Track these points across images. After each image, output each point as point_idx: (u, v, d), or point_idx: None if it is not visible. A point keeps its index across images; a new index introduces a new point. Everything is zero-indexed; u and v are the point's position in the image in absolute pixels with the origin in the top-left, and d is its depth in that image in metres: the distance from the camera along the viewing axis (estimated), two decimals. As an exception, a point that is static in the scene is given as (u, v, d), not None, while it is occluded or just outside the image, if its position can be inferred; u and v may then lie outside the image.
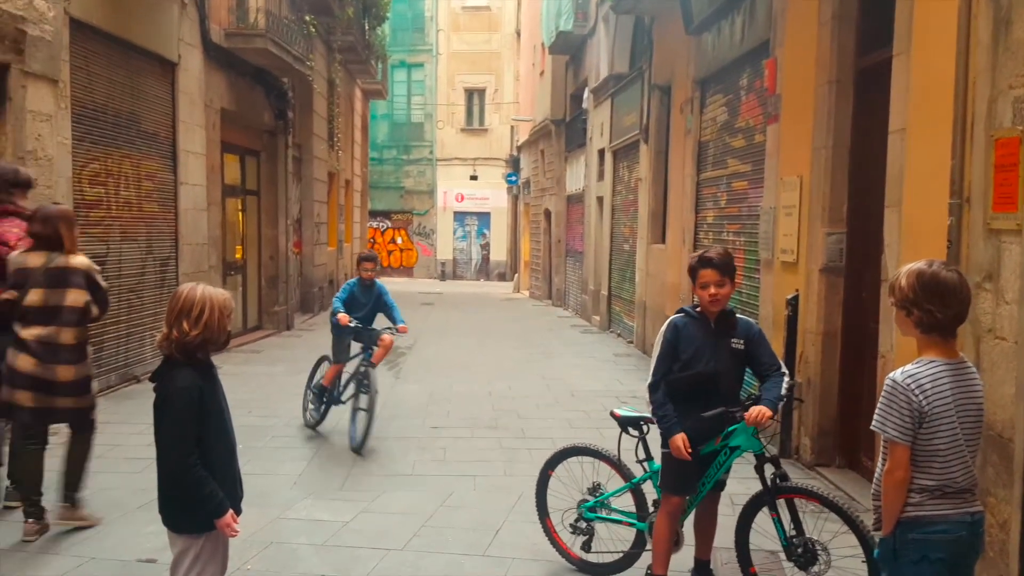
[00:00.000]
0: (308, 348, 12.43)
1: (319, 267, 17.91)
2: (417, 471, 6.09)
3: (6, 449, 5.17)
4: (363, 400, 7.09)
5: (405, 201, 35.70)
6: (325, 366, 7.77)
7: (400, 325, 7.40)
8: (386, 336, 7.22)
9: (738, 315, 4.19)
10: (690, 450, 3.97)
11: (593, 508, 4.63)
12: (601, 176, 16.92)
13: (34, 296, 4.73)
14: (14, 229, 5.04)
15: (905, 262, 2.90)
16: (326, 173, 18.72)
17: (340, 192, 21.13)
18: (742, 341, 4.09)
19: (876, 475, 2.87)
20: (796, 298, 6.76)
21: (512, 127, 31.43)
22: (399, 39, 32.81)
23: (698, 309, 4.13)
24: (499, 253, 35.30)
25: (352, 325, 7.21)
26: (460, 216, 36.12)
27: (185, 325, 3.09)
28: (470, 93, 35.38)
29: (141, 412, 7.84)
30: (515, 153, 30.84)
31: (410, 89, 35.18)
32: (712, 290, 3.99)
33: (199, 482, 3.09)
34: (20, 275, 4.79)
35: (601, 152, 16.87)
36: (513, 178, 30.59)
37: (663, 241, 12.25)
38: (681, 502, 4.13)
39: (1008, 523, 4.06)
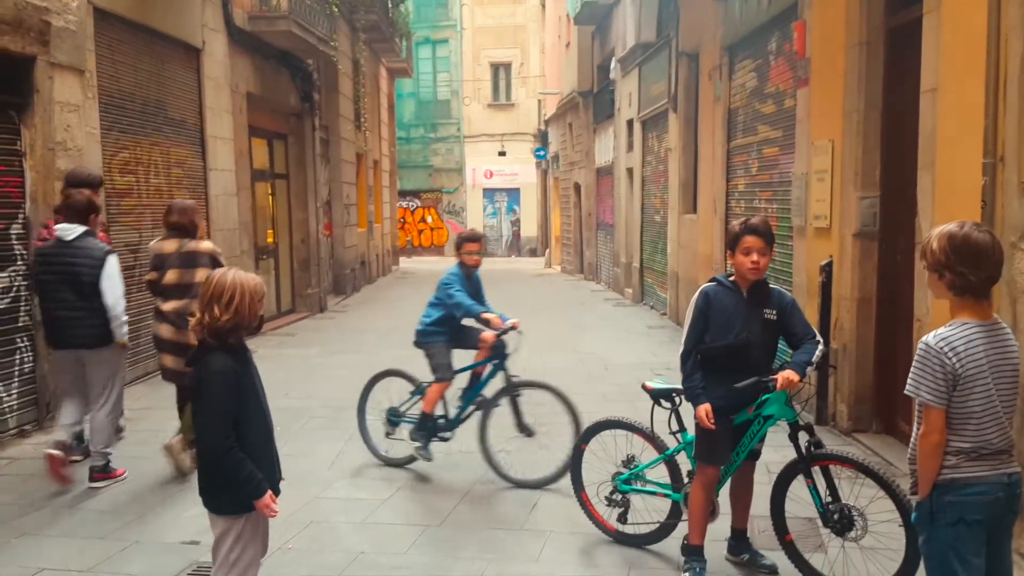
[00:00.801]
0: (341, 330, 12.56)
1: (350, 248, 18.02)
2: (453, 448, 6.13)
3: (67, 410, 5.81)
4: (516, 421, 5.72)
5: (434, 180, 35.70)
6: (395, 386, 6.20)
7: (514, 320, 5.84)
8: (488, 334, 5.71)
9: (771, 285, 4.15)
10: (714, 420, 3.97)
11: (628, 480, 4.65)
12: (630, 147, 16.78)
13: (171, 276, 5.67)
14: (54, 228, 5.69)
15: (939, 224, 2.84)
16: (354, 154, 18.78)
17: (368, 173, 21.19)
18: (775, 312, 4.05)
19: (912, 440, 2.84)
20: (830, 264, 6.67)
21: (539, 101, 31.22)
22: (422, 15, 32.67)
23: (731, 279, 4.09)
24: (529, 229, 35.23)
25: (508, 325, 5.69)
26: (489, 193, 36.06)
27: (216, 310, 3.12)
28: (496, 68, 35.16)
29: (173, 397, 7.93)
30: (543, 127, 30.67)
31: (435, 66, 35.03)
32: (755, 257, 3.94)
33: (237, 464, 3.13)
34: (158, 259, 5.76)
35: (630, 123, 16.71)
36: (541, 152, 30.45)
37: (694, 211, 12.14)
38: (716, 472, 4.12)
39: (1050, 486, 4.00)
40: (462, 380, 6.00)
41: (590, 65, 21.07)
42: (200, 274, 5.49)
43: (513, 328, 5.77)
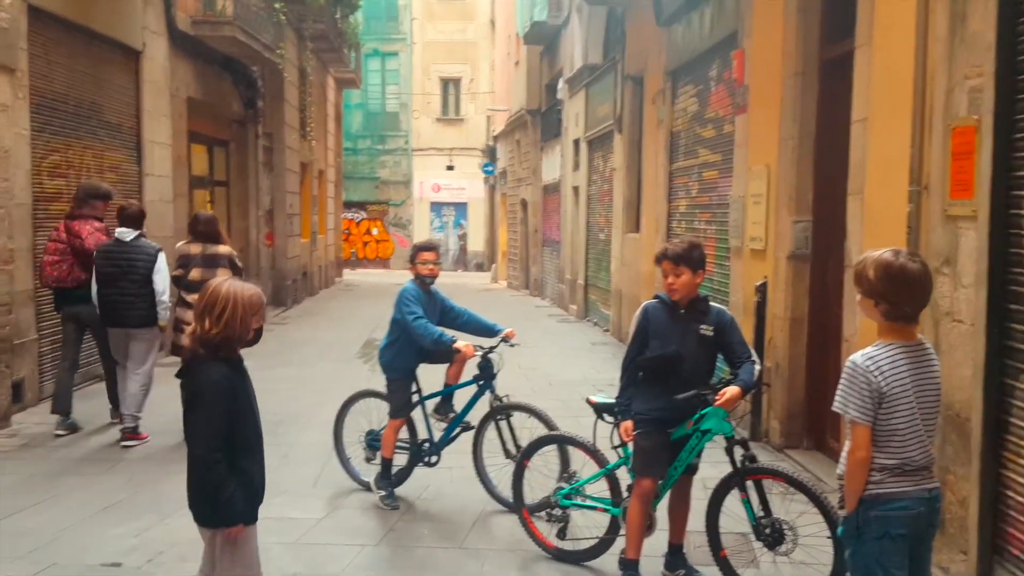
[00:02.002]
0: (281, 343, 12.38)
1: (292, 259, 17.83)
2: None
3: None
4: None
5: (381, 191, 35.54)
6: (373, 408, 5.92)
7: (508, 330, 5.57)
8: (466, 346, 5.34)
9: (712, 303, 4.28)
10: (651, 433, 4.11)
11: (568, 495, 4.69)
12: (577, 166, 16.96)
13: (195, 273, 6.76)
14: (87, 227, 6.89)
15: (867, 249, 2.98)
16: (298, 163, 18.62)
17: (313, 183, 21.03)
18: (712, 328, 4.18)
19: (841, 456, 2.94)
20: (764, 285, 6.85)
21: (488, 117, 31.36)
22: (372, 28, 32.57)
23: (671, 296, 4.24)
24: (476, 243, 35.27)
25: (483, 356, 5.39)
26: (437, 206, 36.02)
27: (207, 322, 3.09)
28: (445, 83, 35.23)
29: (106, 411, 7.68)
30: (491, 143, 30.81)
31: (384, 78, 34.95)
32: (669, 279, 4.15)
33: (221, 482, 3.10)
34: (184, 259, 6.94)
35: (576, 142, 16.91)
36: (490, 168, 30.57)
37: (638, 230, 12.33)
38: (653, 485, 4.19)
39: (967, 500, 4.17)
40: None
41: (538, 84, 21.28)
42: (221, 273, 6.53)
43: (506, 340, 5.48)
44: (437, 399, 5.69)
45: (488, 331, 5.60)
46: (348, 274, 28.11)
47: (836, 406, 2.86)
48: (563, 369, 10.36)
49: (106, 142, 9.63)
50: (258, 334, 3.25)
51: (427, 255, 5.54)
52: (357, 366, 10.66)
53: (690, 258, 4.16)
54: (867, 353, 2.82)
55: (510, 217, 26.64)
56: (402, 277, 13.37)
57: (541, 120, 21.32)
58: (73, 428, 7.04)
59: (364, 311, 16.55)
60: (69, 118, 8.83)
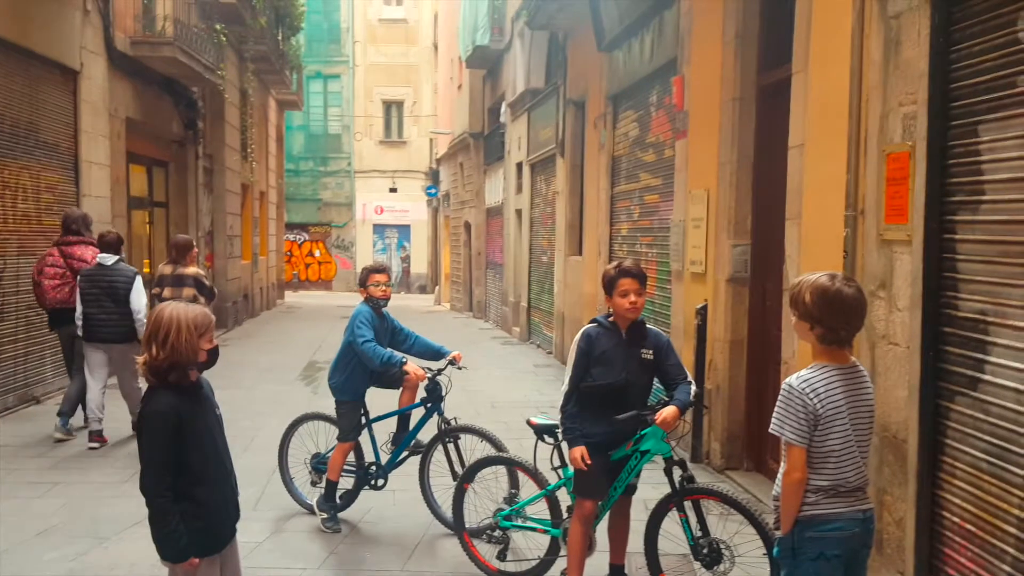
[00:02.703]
0: (220, 365, 12.09)
1: (232, 281, 17.51)
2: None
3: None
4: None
5: (323, 213, 35.24)
6: (319, 431, 5.87)
7: (455, 353, 5.61)
8: (414, 369, 5.29)
9: (648, 326, 4.30)
10: (592, 457, 4.07)
11: (509, 517, 4.67)
12: (520, 189, 17.05)
13: (166, 292, 7.66)
14: (89, 252, 7.61)
15: (804, 272, 3.02)
16: (239, 184, 18.35)
17: (255, 204, 20.74)
18: (651, 352, 4.19)
19: (778, 477, 2.97)
20: (705, 308, 6.94)
21: (431, 140, 31.41)
22: (315, 50, 32.44)
23: (610, 319, 4.21)
24: (420, 266, 35.15)
25: (431, 378, 5.35)
26: (380, 228, 35.83)
27: (154, 348, 3.02)
28: (388, 105, 35.20)
29: (41, 435, 7.62)
30: (434, 166, 30.83)
31: (326, 100, 34.79)
32: (632, 298, 4.09)
33: (162, 515, 3.01)
34: (160, 278, 7.88)
35: (519, 165, 17.01)
36: (433, 191, 30.56)
37: (580, 253, 12.41)
38: (593, 507, 4.19)
39: (904, 520, 4.24)
40: (391, 424, 5.67)
41: (481, 107, 21.39)
42: (187, 292, 7.67)
43: (453, 363, 5.50)
44: (392, 430, 5.64)
45: (436, 354, 5.61)
46: (290, 296, 27.72)
47: (772, 428, 2.88)
48: (506, 391, 10.34)
49: (43, 162, 9.40)
50: (213, 355, 3.17)
51: (379, 277, 5.53)
52: (299, 388, 10.48)
53: (645, 277, 4.20)
54: (802, 376, 2.86)
55: (453, 239, 26.63)
56: (345, 299, 13.25)
57: (484, 143, 21.42)
58: (69, 433, 7.58)
59: (306, 333, 16.33)
60: (5, 137, 8.61)
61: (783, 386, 2.87)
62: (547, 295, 14.74)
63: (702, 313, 6.93)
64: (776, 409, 2.86)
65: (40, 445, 7.36)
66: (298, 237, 34.85)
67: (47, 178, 9.48)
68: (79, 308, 7.26)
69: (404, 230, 35.73)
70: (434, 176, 30.85)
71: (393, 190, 34.59)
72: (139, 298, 7.28)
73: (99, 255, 7.38)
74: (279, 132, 25.45)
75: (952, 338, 3.99)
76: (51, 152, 9.58)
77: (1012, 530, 3.57)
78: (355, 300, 11.69)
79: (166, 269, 7.94)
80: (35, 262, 8.26)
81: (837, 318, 2.82)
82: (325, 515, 5.40)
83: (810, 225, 5.39)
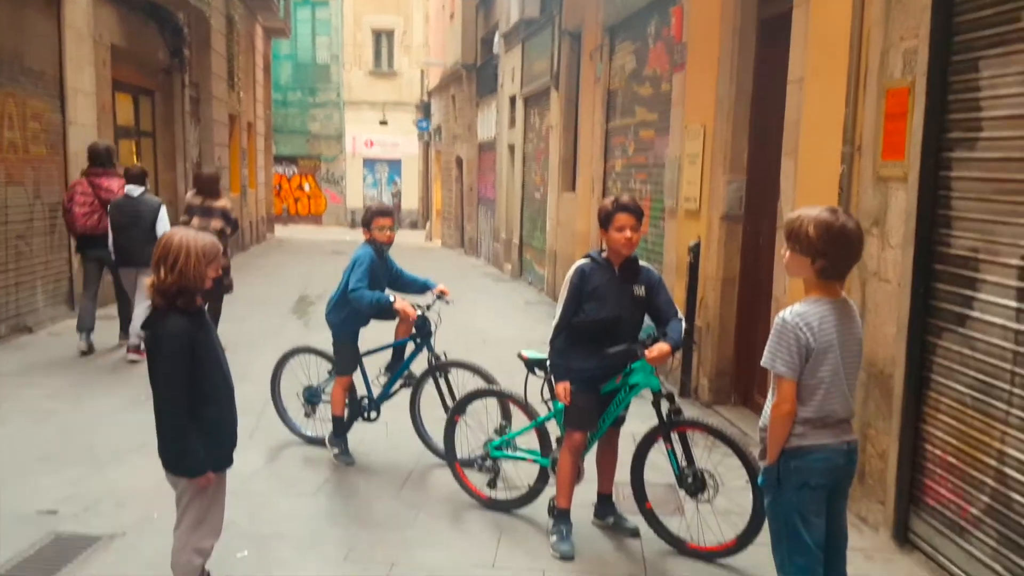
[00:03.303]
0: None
1: (222, 213, 17.39)
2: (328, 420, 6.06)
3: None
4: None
5: (312, 146, 34.84)
6: (310, 363, 5.88)
7: (439, 286, 5.60)
8: (404, 305, 5.22)
9: (641, 262, 4.31)
10: (583, 390, 4.16)
11: (499, 447, 4.76)
12: (513, 123, 16.87)
13: (195, 222, 8.21)
14: (116, 183, 8.12)
15: (798, 209, 3.01)
16: (226, 115, 18.10)
17: (242, 135, 20.48)
18: (643, 287, 4.22)
19: (765, 410, 3.02)
20: (698, 245, 6.95)
21: (422, 71, 30.92)
22: (302, -24, 31.71)
23: (604, 255, 4.23)
24: (410, 201, 34.95)
25: (420, 314, 5.34)
26: (370, 163, 35.53)
27: (162, 272, 3.12)
28: (378, 34, 34.55)
29: (34, 364, 7.69)
30: (425, 98, 30.40)
31: (314, 28, 34.05)
32: (628, 233, 4.09)
33: (181, 434, 3.16)
34: (189, 209, 8.54)
35: (512, 99, 16.80)
36: (424, 124, 30.20)
37: (573, 189, 12.36)
38: (583, 438, 4.27)
39: (887, 453, 4.34)
40: (385, 355, 5.69)
41: (474, 38, 21.02)
42: (215, 223, 8.27)
43: (441, 297, 5.49)
44: (382, 363, 5.67)
45: (422, 287, 5.59)
46: (280, 230, 27.58)
47: (765, 361, 2.92)
48: (497, 328, 10.40)
49: (28, 90, 9.21)
50: (217, 284, 3.24)
51: (384, 220, 5.40)
52: (291, 321, 10.53)
53: (642, 212, 4.19)
54: (796, 310, 2.88)
55: (445, 175, 26.44)
56: (335, 234, 13.19)
57: (477, 75, 21.11)
58: (91, 348, 8.15)
59: (297, 268, 16.32)
60: (-11, 64, 8.42)
61: (776, 320, 2.90)
62: (539, 232, 14.72)
63: (695, 251, 6.94)
64: (769, 342, 2.90)
65: (34, 374, 7.41)
66: (287, 170, 34.53)
67: (33, 106, 9.31)
68: (110, 236, 7.91)
69: (395, 164, 35.44)
70: (425, 109, 30.46)
71: (383, 123, 34.15)
72: (163, 226, 7.75)
73: (126, 187, 7.97)
74: (266, 61, 24.98)
75: (943, 275, 4.03)
76: (36, 79, 9.39)
77: (992, 462, 3.66)
78: (346, 235, 11.66)
79: (195, 200, 8.53)
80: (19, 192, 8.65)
81: (840, 252, 2.84)
82: (337, 450, 5.44)
83: (806, 161, 5.38)
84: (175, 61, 14.13)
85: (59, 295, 9.95)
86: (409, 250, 22.72)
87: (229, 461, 3.41)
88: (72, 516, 4.46)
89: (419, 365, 5.59)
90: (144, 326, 3.27)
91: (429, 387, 5.50)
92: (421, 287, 5.59)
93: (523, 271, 16.18)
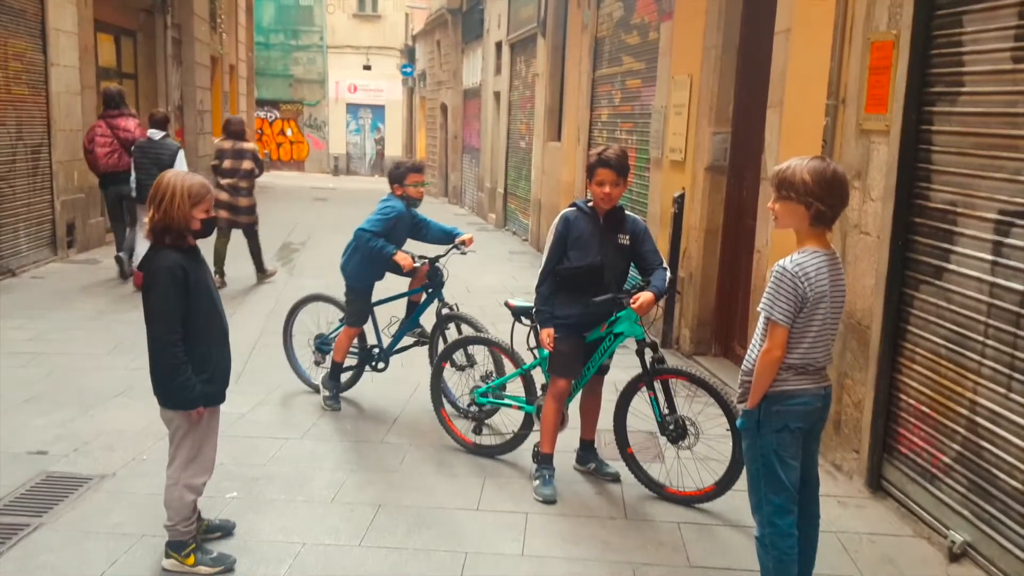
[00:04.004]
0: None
1: (203, 158, 17.17)
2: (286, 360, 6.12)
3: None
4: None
5: (294, 90, 34.38)
6: (322, 312, 5.90)
7: (465, 236, 5.52)
8: (403, 257, 5.17)
9: (627, 212, 4.36)
10: (567, 337, 4.23)
11: (485, 394, 4.85)
12: (498, 70, 16.72)
13: (227, 163, 9.19)
14: (132, 123, 9.06)
15: (783, 161, 3.06)
16: (208, 57, 17.80)
17: (224, 78, 20.18)
18: (628, 237, 4.28)
19: (748, 354, 3.10)
20: (682, 196, 6.99)
21: (407, 15, 30.42)
22: (285, -85, 30.95)
23: (590, 204, 4.28)
24: (394, 148, 34.66)
25: (417, 266, 5.30)
26: (353, 108, 35.12)
27: (152, 210, 3.24)
28: (362, -24, 33.90)
29: (18, 306, 7.71)
30: (410, 43, 29.98)
31: (297, -31, 33.40)
32: (607, 188, 4.16)
33: (176, 366, 3.25)
34: (219, 152, 9.30)
35: (498, 45, 16.62)
36: (408, 70, 29.82)
37: (559, 139, 12.32)
38: (567, 385, 4.36)
39: (863, 402, 4.46)
40: (398, 307, 5.65)
41: (461, -19, 20.69)
42: (246, 164, 9.20)
43: (461, 247, 5.40)
44: (394, 315, 5.68)
45: (448, 236, 5.51)
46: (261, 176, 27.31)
47: (762, 307, 2.98)
48: (481, 277, 10.44)
49: (10, 29, 9.07)
50: (207, 225, 3.34)
51: (418, 177, 5.37)
52: (275, 268, 10.50)
53: (626, 168, 4.22)
54: (795, 260, 2.94)
55: (429, 122, 26.21)
56: (318, 181, 13.07)
57: (462, 20, 20.82)
58: (130, 269, 8.80)
59: (280, 215, 16.22)
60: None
61: (775, 268, 2.95)
62: (524, 181, 14.69)
63: (679, 201, 6.98)
64: (768, 289, 2.95)
65: (17, 316, 7.41)
66: (269, 115, 34.10)
67: (14, 46, 9.16)
68: (133, 174, 8.55)
69: (378, 110, 35.06)
70: (410, 54, 30.06)
71: (367, 68, 33.71)
72: (181, 167, 8.28)
73: (149, 131, 8.72)
74: (248, 2, 24.50)
75: (921, 228, 4.11)
76: (17, 18, 9.21)
77: (964, 411, 3.78)
78: (329, 181, 11.62)
79: (225, 144, 9.30)
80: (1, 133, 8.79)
81: (835, 196, 2.91)
82: (328, 393, 5.47)
83: (791, 113, 5.40)
84: (157, 1, 13.85)
85: (42, 238, 9.90)
86: (393, 198, 22.65)
87: (222, 398, 3.48)
88: (62, 457, 4.52)
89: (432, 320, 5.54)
90: (140, 266, 3.35)
91: (441, 342, 5.47)
92: (447, 236, 5.51)
93: (507, 221, 16.19)
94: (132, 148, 8.67)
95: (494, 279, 10.38)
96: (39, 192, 9.77)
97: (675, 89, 7.41)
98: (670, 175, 7.55)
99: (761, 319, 2.99)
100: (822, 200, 2.89)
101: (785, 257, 2.97)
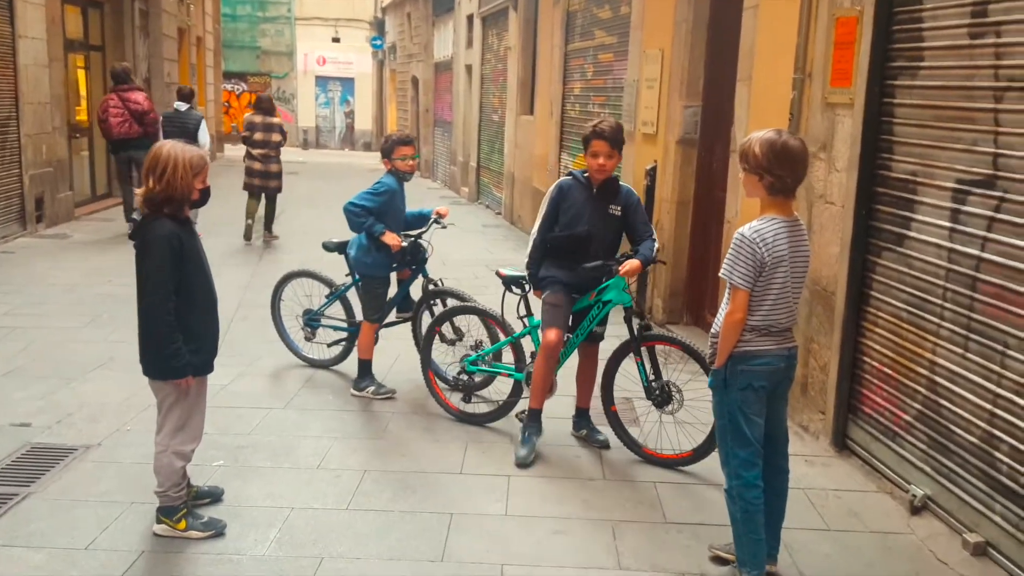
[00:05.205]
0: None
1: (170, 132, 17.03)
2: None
3: None
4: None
5: (262, 63, 33.94)
6: (309, 288, 5.92)
7: (437, 208, 5.52)
8: (391, 236, 5.15)
9: (621, 183, 4.48)
10: (558, 292, 4.39)
11: (475, 362, 4.95)
12: (470, 43, 16.68)
13: (257, 135, 10.42)
14: (141, 95, 10.26)
15: (751, 133, 3.19)
16: (176, 29, 17.58)
17: (191, 50, 19.92)
18: (620, 208, 4.40)
19: (716, 319, 3.25)
20: (655, 168, 7.12)
21: (376, -13, 30.12)
22: None
23: (586, 175, 4.42)
24: (364, 122, 34.43)
25: (405, 246, 5.24)
26: (322, 81, 34.78)
27: (151, 181, 3.27)
28: (329, -53, 33.43)
29: None
30: (380, 15, 29.70)
31: (264, -60, 32.87)
32: (601, 160, 4.30)
33: (167, 334, 3.30)
34: (250, 125, 10.47)
35: (470, 18, 16.57)
36: (378, 42, 29.58)
37: (531, 112, 12.38)
38: (558, 337, 4.39)
39: (828, 366, 4.64)
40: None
41: (430, -47, 20.53)
42: (275, 136, 10.45)
43: (439, 220, 5.40)
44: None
45: (423, 218, 5.47)
46: (229, 150, 27.02)
47: (723, 272, 3.14)
48: (457, 250, 10.49)
49: (-26, 0, 8.92)
50: (204, 195, 3.42)
51: (406, 150, 5.29)
52: (243, 245, 10.51)
53: (620, 141, 4.36)
54: (753, 227, 3.10)
55: (400, 95, 26.06)
56: (288, 155, 13.09)
57: (433, -7, 20.69)
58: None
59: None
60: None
61: (735, 235, 3.10)
62: (497, 155, 14.74)
63: (651, 174, 7.11)
64: (727, 255, 3.11)
65: (-7, 293, 7.39)
66: (236, 87, 33.64)
67: (-20, 18, 9.04)
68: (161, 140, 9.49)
69: (348, 83, 34.75)
70: (379, 26, 29.79)
71: (336, 40, 33.35)
72: (204, 135, 10.09)
73: (176, 103, 10.32)
74: (215, -27, 24.13)
75: (884, 197, 4.27)
76: (-17, -11, 9.09)
77: (924, 372, 3.97)
78: (299, 155, 11.61)
79: (255, 118, 10.49)
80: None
81: (784, 167, 3.05)
82: (372, 387, 5.33)
83: (759, 87, 5.53)
84: (123, -28, 13.70)
85: (11, 213, 9.83)
86: (363, 172, 22.54)
87: (210, 368, 3.56)
88: (46, 428, 4.58)
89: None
90: (132, 235, 3.40)
91: (427, 317, 5.48)
92: (423, 218, 5.47)
93: (480, 194, 16.24)
94: (162, 117, 10.18)
95: (469, 252, 10.47)
96: (7, 166, 9.69)
97: (647, 63, 7.51)
98: (642, 148, 7.67)
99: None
100: (770, 171, 3.05)
101: (745, 224, 3.12)
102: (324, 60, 34.08)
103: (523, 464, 4.37)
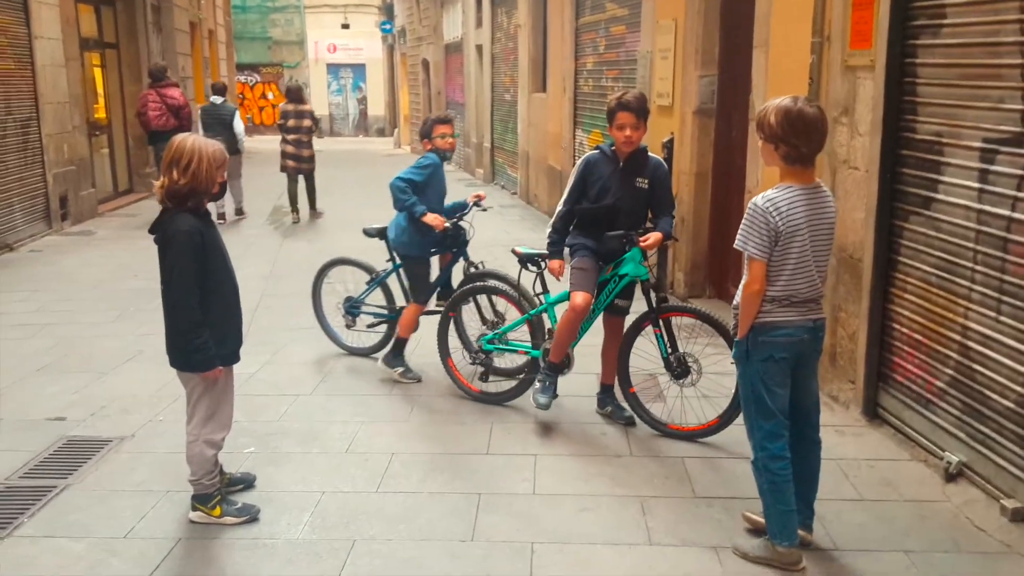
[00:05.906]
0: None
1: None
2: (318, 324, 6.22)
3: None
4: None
5: (274, 53, 33.94)
6: (349, 275, 5.92)
7: (473, 194, 5.66)
8: (434, 217, 5.14)
9: (651, 155, 4.45)
10: (583, 255, 4.38)
11: (492, 341, 4.95)
12: (480, 23, 16.58)
13: (291, 122, 11.29)
14: (176, 91, 11.02)
15: (770, 100, 3.14)
16: (187, 23, 17.61)
17: (204, 43, 19.95)
18: (647, 180, 4.36)
19: (739, 289, 3.22)
20: (672, 140, 7.04)
21: (384, -29, 29.98)
22: None
23: (612, 148, 4.38)
24: (377, 107, 34.39)
25: (448, 227, 5.19)
26: (334, 68, 34.74)
27: (175, 173, 3.27)
28: (336, -67, 33.29)
29: (18, 280, 7.78)
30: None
31: (271, -72, 32.76)
32: (627, 132, 4.25)
33: (194, 327, 3.32)
34: (284, 113, 11.39)
35: (478, -3, 16.46)
36: (387, 26, 29.47)
37: (544, 90, 12.29)
38: (587, 300, 4.34)
39: (856, 334, 4.59)
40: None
41: (437, -66, 20.38)
42: (306, 122, 11.35)
43: (478, 203, 5.46)
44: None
45: (460, 207, 5.48)
46: (246, 142, 27.11)
47: (737, 243, 3.10)
48: (475, 232, 10.50)
49: (-8, 2, 8.99)
50: (222, 188, 3.43)
51: (444, 128, 5.30)
52: (268, 232, 10.57)
53: (646, 111, 4.30)
54: (767, 195, 3.05)
55: (411, 79, 25.98)
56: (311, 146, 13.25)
57: (442, -25, 20.56)
58: None
59: (267, 179, 16.14)
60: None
61: (749, 205, 3.06)
62: (511, 135, 14.67)
63: (668, 146, 7.03)
64: (741, 225, 3.07)
65: (20, 290, 7.47)
66: (249, 79, 33.69)
67: (-2, 20, 9.11)
68: (200, 132, 10.06)
69: (359, 69, 34.68)
70: (388, 11, 29.65)
71: (346, 26, 33.26)
72: (239, 125, 11.25)
73: (211, 97, 11.34)
74: (223, -35, 24.09)
75: (909, 160, 4.20)
76: (-3, -9, 9.15)
77: (956, 337, 3.91)
78: (314, 145, 11.63)
79: (288, 107, 11.43)
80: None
81: (799, 136, 2.99)
82: (401, 368, 5.34)
83: (777, 53, 5.45)
84: (133, -32, 13.76)
85: (36, 212, 9.92)
86: (378, 157, 22.56)
87: (236, 357, 3.58)
88: (80, 422, 4.64)
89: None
90: (152, 229, 3.40)
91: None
92: (459, 208, 5.47)
93: (495, 175, 16.19)
94: (200, 110, 11.29)
95: (488, 234, 10.34)
96: (31, 166, 9.77)
97: (660, 34, 7.42)
98: (658, 120, 7.59)
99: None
100: (786, 140, 2.99)
101: (759, 194, 3.08)
102: (335, 47, 34.02)
103: (543, 407, 4.46)
